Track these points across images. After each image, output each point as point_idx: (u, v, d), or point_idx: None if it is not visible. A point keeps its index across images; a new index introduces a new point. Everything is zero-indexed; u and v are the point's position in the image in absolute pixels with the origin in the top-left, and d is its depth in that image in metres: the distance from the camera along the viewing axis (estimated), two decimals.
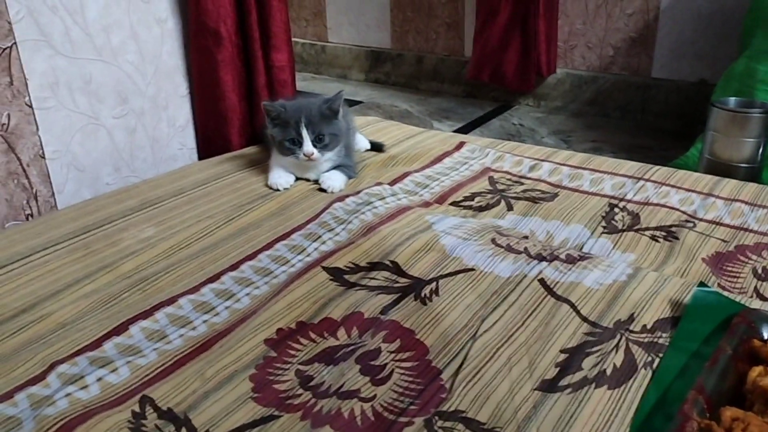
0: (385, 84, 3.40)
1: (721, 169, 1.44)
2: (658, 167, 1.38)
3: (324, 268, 0.99)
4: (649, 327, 0.85)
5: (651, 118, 2.62)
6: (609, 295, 0.92)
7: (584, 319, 0.87)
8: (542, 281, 0.96)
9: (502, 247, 1.05)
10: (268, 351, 0.82)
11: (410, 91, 3.29)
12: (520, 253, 1.04)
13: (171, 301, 0.91)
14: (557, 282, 0.95)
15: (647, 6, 2.52)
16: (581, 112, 2.78)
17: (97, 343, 0.82)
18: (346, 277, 0.98)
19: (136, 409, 0.72)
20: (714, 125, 1.51)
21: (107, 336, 0.84)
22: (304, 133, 1.21)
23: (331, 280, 0.97)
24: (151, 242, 1.05)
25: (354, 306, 0.91)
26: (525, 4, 2.58)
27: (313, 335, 0.86)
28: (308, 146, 1.21)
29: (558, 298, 0.92)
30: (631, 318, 0.87)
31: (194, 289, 0.94)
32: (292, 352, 0.82)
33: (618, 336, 0.83)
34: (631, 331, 0.84)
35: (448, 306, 0.90)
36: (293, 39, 3.61)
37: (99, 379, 0.76)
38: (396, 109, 2.99)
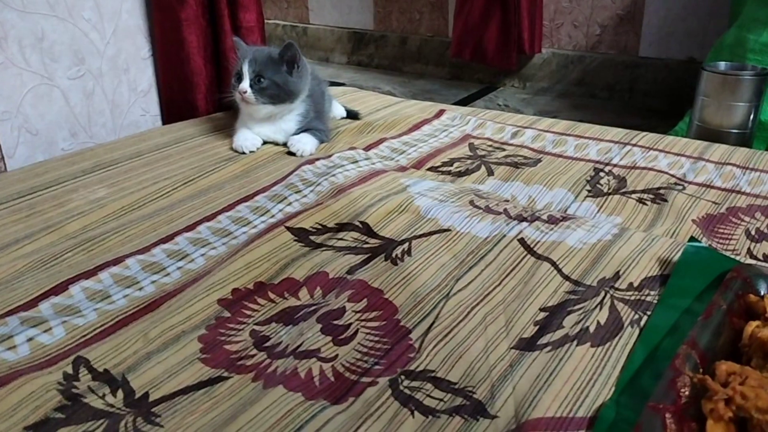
0: (368, 66, 3.32)
1: (711, 135, 1.38)
2: (645, 133, 1.32)
3: (288, 228, 0.92)
4: (635, 285, 0.79)
5: (639, 97, 2.56)
6: (593, 254, 0.86)
7: (566, 278, 0.81)
8: (522, 241, 0.89)
9: (480, 208, 0.99)
10: (221, 311, 0.75)
11: (394, 73, 3.22)
12: (499, 214, 0.97)
13: (117, 261, 0.83)
14: (538, 241, 0.89)
15: None
16: (567, 93, 2.71)
17: (32, 303, 0.74)
18: (312, 237, 0.91)
19: (69, 370, 0.65)
20: (704, 90, 1.45)
21: (44, 296, 0.76)
22: (245, 68, 1.14)
23: (295, 240, 0.90)
24: (102, 203, 0.98)
25: (318, 266, 0.83)
26: None
27: (272, 295, 0.78)
28: (245, 83, 1.14)
29: (538, 257, 0.85)
30: (617, 276, 0.80)
31: (144, 250, 0.86)
32: (248, 313, 0.75)
33: (602, 294, 0.77)
34: (617, 289, 0.78)
35: (420, 266, 0.84)
36: (274, 21, 3.53)
37: (29, 339, 0.69)
38: (379, 92, 2.91)
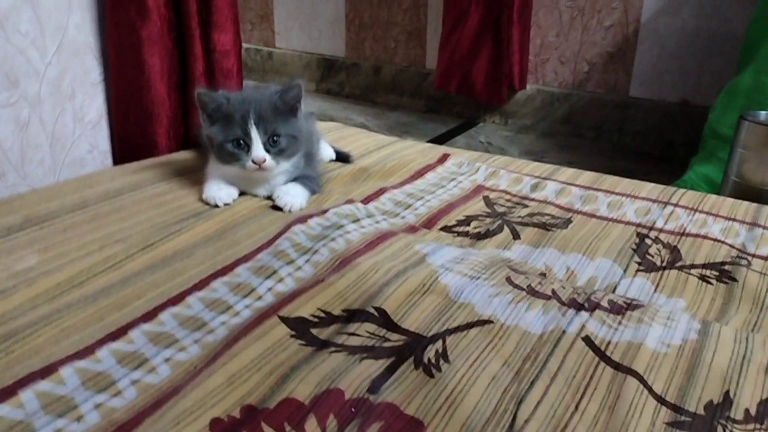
0: (338, 95, 3.12)
1: (752, 193, 1.22)
2: (683, 190, 1.16)
3: (282, 318, 0.70)
4: (753, 413, 0.60)
5: (628, 139, 2.43)
6: (683, 362, 0.67)
7: (661, 401, 0.61)
8: (588, 340, 0.69)
9: (522, 289, 0.79)
10: None
11: (366, 103, 3.03)
12: (548, 298, 0.77)
13: (47, 371, 0.59)
14: (608, 342, 0.69)
15: (626, 18, 2.35)
16: (552, 132, 2.57)
17: None
18: (315, 331, 0.69)
19: None
20: (744, 142, 1.30)
21: None
22: (254, 132, 0.92)
23: (293, 336, 0.68)
24: (30, 277, 0.73)
25: (329, 379, 0.61)
26: (497, 8, 2.36)
27: (267, 430, 0.56)
28: (259, 150, 0.92)
29: (617, 366, 0.65)
30: (726, 399, 0.61)
31: (86, 352, 0.63)
32: None
33: (719, 430, 0.57)
34: (734, 421, 0.58)
35: (465, 379, 0.63)
36: None
37: None
38: (351, 123, 2.72)
